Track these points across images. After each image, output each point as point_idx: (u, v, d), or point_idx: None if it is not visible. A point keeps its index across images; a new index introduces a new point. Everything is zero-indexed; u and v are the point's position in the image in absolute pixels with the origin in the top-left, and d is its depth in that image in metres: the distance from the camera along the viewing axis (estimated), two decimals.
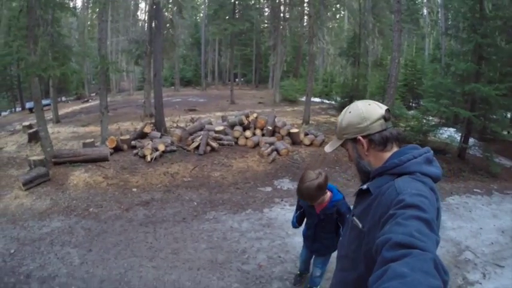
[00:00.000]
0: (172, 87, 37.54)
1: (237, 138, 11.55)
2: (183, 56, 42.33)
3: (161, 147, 10.47)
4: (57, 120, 18.25)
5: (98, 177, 8.88)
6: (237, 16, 26.23)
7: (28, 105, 25.89)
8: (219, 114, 16.97)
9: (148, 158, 10.01)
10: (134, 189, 8.35)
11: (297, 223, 3.63)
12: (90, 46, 33.06)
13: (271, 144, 10.67)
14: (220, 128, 11.95)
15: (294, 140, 11.26)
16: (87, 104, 27.22)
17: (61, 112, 20.55)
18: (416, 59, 17.82)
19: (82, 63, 28.46)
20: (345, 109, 1.71)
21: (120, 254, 5.58)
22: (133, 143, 11.19)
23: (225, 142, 11.36)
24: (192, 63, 43.46)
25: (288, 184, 8.70)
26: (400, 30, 11.37)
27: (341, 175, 9.10)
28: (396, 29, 11.34)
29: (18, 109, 30.34)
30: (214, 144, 10.84)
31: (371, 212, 1.46)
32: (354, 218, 1.62)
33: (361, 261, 1.52)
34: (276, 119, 11.92)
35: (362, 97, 16.55)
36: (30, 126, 15.32)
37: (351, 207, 1.96)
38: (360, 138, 1.59)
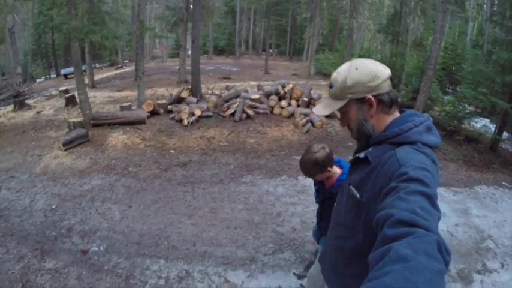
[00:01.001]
0: (206, 55, 37.71)
1: (273, 108, 11.65)
2: (217, 25, 42.30)
3: (197, 112, 10.79)
4: (93, 85, 18.92)
5: (136, 139, 9.32)
6: None
7: (63, 71, 27.12)
8: (253, 83, 17.05)
9: (185, 122, 10.34)
10: (172, 151, 8.66)
11: (316, 198, 3.41)
12: (123, 14, 33.52)
13: (306, 115, 10.78)
14: (256, 96, 12.07)
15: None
16: (121, 70, 28.01)
17: (96, 78, 21.23)
18: (457, 43, 16.96)
19: (116, 30, 28.99)
20: (346, 66, 1.58)
21: (159, 211, 5.93)
22: (169, 107, 11.63)
23: (261, 110, 11.55)
24: (225, 31, 43.56)
25: None
26: (445, 11, 10.89)
27: None
28: (441, 9, 10.86)
29: (53, 76, 31.69)
30: (250, 111, 11.08)
31: (370, 182, 1.45)
32: (351, 187, 1.60)
33: (359, 231, 1.54)
34: (311, 91, 12.15)
35: (399, 77, 16.44)
36: (66, 91, 16.06)
37: None
38: (370, 97, 1.51)
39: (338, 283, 1.86)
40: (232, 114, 10.97)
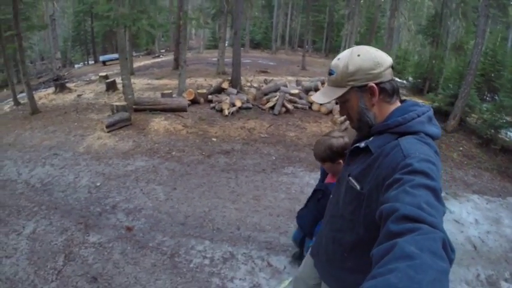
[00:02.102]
0: (242, 48, 37.83)
1: (311, 103, 11.74)
2: (254, 18, 42.53)
3: (238, 103, 11.05)
4: (132, 72, 19.27)
5: (178, 125, 9.59)
6: None
7: (101, 58, 28.39)
8: (290, 78, 17.09)
9: (226, 112, 10.57)
10: (214, 139, 8.85)
11: None
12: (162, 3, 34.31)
13: None
14: (296, 91, 12.21)
15: None
16: (158, 59, 28.61)
17: (134, 65, 21.74)
18: (498, 49, 16.34)
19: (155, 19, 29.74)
20: (347, 52, 1.56)
21: (203, 195, 6.11)
22: (209, 97, 11.92)
23: (299, 105, 11.69)
24: (262, 25, 43.66)
25: None
26: (487, 15, 10.59)
27: None
28: (483, 13, 10.55)
29: (91, 62, 32.98)
30: (289, 106, 11.24)
31: (371, 173, 1.44)
32: (350, 178, 1.58)
33: (360, 224, 1.53)
34: None
35: (437, 80, 16.17)
36: (106, 77, 16.77)
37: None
38: (373, 85, 1.48)
39: (335, 277, 1.86)
40: (272, 108, 11.20)
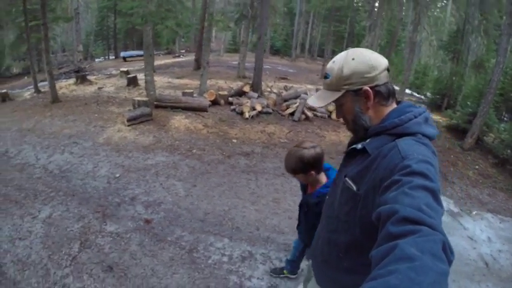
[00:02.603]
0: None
1: (331, 112, 11.68)
2: (275, 25, 42.68)
3: (258, 107, 11.06)
4: (153, 70, 19.40)
5: (198, 125, 9.60)
6: None
7: (122, 54, 28.67)
8: (310, 87, 17.10)
9: (247, 115, 10.59)
10: (234, 140, 8.82)
11: None
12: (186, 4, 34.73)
13: None
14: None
15: None
16: (179, 59, 28.83)
17: (155, 63, 21.75)
18: None
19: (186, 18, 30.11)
20: (342, 55, 1.54)
21: (224, 194, 6.07)
22: (230, 99, 12.00)
23: (319, 114, 11.72)
24: (283, 32, 43.74)
25: None
26: (510, 34, 10.50)
27: None
28: (506, 32, 10.45)
29: (111, 57, 33.46)
30: (309, 113, 11.27)
31: (368, 175, 1.42)
32: (347, 179, 1.56)
33: (355, 225, 1.51)
34: None
35: (455, 97, 16.06)
36: (127, 72, 17.03)
37: None
38: (368, 88, 1.47)
39: (331, 277, 1.83)
40: (292, 114, 11.27)
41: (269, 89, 14.68)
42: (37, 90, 14.06)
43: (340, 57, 1.53)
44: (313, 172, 2.56)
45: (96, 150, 7.60)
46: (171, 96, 11.43)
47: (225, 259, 4.34)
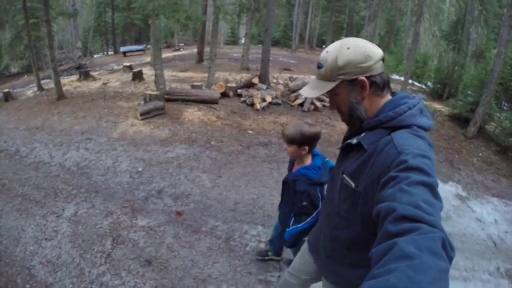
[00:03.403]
0: (260, 45, 37.94)
1: None
2: (275, 16, 42.60)
3: (268, 99, 11.05)
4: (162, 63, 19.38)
5: (211, 117, 9.54)
6: None
7: (122, 49, 28.69)
8: (314, 77, 17.02)
9: (258, 106, 10.56)
10: (250, 131, 8.76)
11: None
12: None
13: None
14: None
15: None
16: (179, 53, 28.68)
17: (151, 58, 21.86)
18: None
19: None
20: (336, 45, 1.51)
21: (249, 183, 6.05)
22: (239, 91, 12.00)
23: (327, 104, 11.60)
24: (281, 23, 43.59)
25: None
26: (511, 25, 10.57)
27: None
28: (507, 24, 10.54)
29: (110, 53, 33.56)
30: (318, 104, 11.30)
31: (366, 171, 1.42)
32: (345, 176, 1.56)
33: (356, 221, 1.53)
34: None
35: (456, 86, 16.16)
36: (130, 67, 16.96)
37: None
38: (364, 78, 1.45)
39: (336, 273, 1.86)
40: (301, 105, 11.32)
41: (275, 80, 14.65)
42: (40, 88, 13.93)
43: (334, 47, 1.51)
44: (306, 147, 2.66)
45: (113, 145, 7.50)
46: (181, 89, 11.36)
47: (262, 245, 4.38)
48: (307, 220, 2.60)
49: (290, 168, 3.06)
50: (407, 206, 1.01)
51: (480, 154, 9.40)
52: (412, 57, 15.69)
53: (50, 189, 5.73)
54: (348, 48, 1.46)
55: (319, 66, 1.55)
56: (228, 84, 12.26)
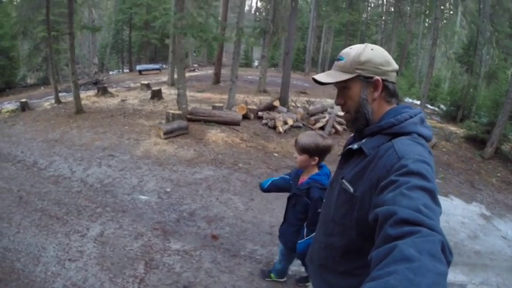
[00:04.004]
0: (273, 68, 38.25)
1: None
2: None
3: (290, 122, 11.02)
4: (172, 83, 19.65)
5: (235, 139, 9.41)
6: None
7: (138, 67, 28.97)
8: (330, 100, 16.97)
9: (280, 129, 10.49)
10: (275, 154, 8.67)
11: (266, 185, 3.37)
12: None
13: None
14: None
15: None
16: (195, 73, 28.93)
17: (174, 77, 21.91)
18: None
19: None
20: (361, 45, 1.56)
21: (283, 206, 5.66)
22: (260, 113, 11.96)
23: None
24: (294, 47, 43.99)
25: None
26: None
27: (454, 177, 9.01)
28: None
29: (126, 70, 34.12)
30: (338, 127, 11.26)
31: (365, 176, 1.42)
32: (344, 181, 1.56)
33: (351, 228, 1.51)
34: None
35: (469, 108, 16.37)
36: (148, 85, 17.22)
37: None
38: (379, 78, 1.49)
39: (328, 282, 1.81)
40: (321, 128, 11.27)
41: (293, 104, 14.72)
42: (58, 101, 13.95)
43: (358, 46, 1.56)
44: (316, 158, 2.81)
45: (137, 163, 7.29)
46: (204, 109, 11.31)
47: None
48: None
49: (294, 179, 3.13)
50: (407, 209, 1.01)
51: (498, 174, 9.50)
52: (428, 81, 16.12)
53: (72, 205, 5.46)
54: (372, 50, 1.51)
55: (339, 59, 1.57)
56: (249, 107, 12.21)
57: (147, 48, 35.58)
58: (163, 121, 10.46)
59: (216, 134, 9.49)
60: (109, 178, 6.54)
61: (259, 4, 32.61)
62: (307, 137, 2.79)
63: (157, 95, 14.55)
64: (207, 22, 11.98)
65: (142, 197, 5.86)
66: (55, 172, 6.86)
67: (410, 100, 22.55)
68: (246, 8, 46.50)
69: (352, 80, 1.52)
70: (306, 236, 2.78)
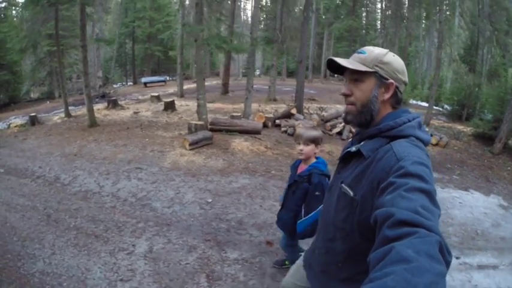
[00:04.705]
0: (278, 76, 38.45)
1: None
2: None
3: None
4: (182, 95, 19.81)
5: (260, 147, 9.35)
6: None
7: (143, 80, 29.16)
8: (340, 106, 17.02)
9: None
10: None
11: (282, 198, 3.55)
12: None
13: None
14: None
15: None
16: None
17: (176, 89, 22.08)
18: None
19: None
20: (383, 49, 1.59)
21: None
22: (277, 121, 12.11)
23: None
24: (295, 54, 44.26)
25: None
26: None
27: (469, 173, 9.42)
28: None
29: (129, 83, 34.23)
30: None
31: (365, 179, 1.42)
32: (343, 185, 1.55)
33: (353, 231, 1.50)
34: None
35: (474, 107, 16.76)
36: (158, 97, 17.31)
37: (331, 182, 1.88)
38: (394, 82, 1.52)
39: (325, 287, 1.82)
40: (339, 133, 11.63)
41: (306, 111, 14.79)
42: (68, 114, 13.91)
43: (381, 48, 1.59)
44: (319, 146, 3.15)
45: (168, 175, 7.13)
46: (225, 119, 11.35)
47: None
48: (319, 208, 2.75)
49: (293, 171, 3.42)
50: (405, 211, 1.02)
51: (509, 168, 9.90)
52: (436, 83, 16.43)
53: (109, 222, 5.25)
54: (394, 56, 1.56)
55: (361, 52, 1.58)
56: (266, 115, 12.35)
57: (150, 60, 35.84)
58: (183, 132, 10.44)
59: (240, 143, 9.43)
60: (142, 191, 6.35)
61: (260, 14, 32.77)
62: (310, 130, 3.17)
63: (170, 106, 14.59)
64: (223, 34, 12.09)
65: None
66: (81, 187, 6.67)
67: (415, 102, 22.93)
68: (244, 17, 46.79)
69: (368, 75, 1.54)
70: (304, 216, 3.04)
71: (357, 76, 1.55)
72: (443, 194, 7.44)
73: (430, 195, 1.11)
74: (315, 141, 3.07)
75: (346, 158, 1.63)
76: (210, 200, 5.99)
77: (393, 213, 1.03)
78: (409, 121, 1.47)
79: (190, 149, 8.68)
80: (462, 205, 6.97)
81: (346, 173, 1.59)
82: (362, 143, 1.54)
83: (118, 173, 7.28)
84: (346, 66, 1.53)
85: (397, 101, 1.56)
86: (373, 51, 1.55)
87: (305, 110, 14.72)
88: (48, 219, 5.38)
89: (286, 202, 3.37)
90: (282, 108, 14.41)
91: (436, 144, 11.59)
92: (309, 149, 3.08)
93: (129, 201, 6.01)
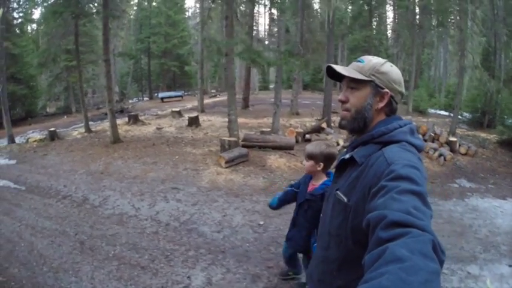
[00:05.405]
0: (290, 89, 38.55)
1: None
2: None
3: (341, 142, 11.02)
4: (202, 110, 19.61)
5: (296, 163, 9.05)
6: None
7: (160, 95, 29.37)
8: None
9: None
10: None
11: (276, 203, 3.53)
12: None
13: (435, 149, 11.46)
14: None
15: (452, 148, 12.08)
16: (217, 99, 28.94)
17: (195, 103, 22.00)
18: None
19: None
20: (381, 59, 1.60)
21: None
22: (307, 136, 11.99)
23: None
24: (311, 67, 44.39)
25: (468, 183, 9.21)
26: None
27: (502, 182, 9.32)
28: None
29: (146, 98, 34.44)
30: None
31: (358, 185, 1.42)
32: (338, 192, 1.55)
33: (347, 237, 1.49)
34: (434, 127, 12.95)
35: (494, 113, 16.72)
36: (179, 112, 17.27)
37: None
38: (389, 92, 1.54)
39: None
40: None
41: (333, 124, 14.75)
42: (88, 130, 13.75)
43: (379, 58, 1.61)
44: (321, 164, 3.03)
45: (209, 195, 6.71)
46: (258, 135, 11.15)
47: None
48: None
49: (304, 186, 3.31)
50: (398, 212, 1.03)
51: None
52: (459, 91, 16.23)
53: (154, 250, 4.76)
54: (391, 66, 1.58)
55: (359, 61, 1.60)
56: (296, 130, 12.23)
57: (166, 75, 36.20)
58: (212, 148, 10.15)
59: (276, 160, 9.15)
60: (185, 214, 5.91)
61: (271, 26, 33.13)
62: (313, 145, 3.09)
63: (194, 122, 14.43)
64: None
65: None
66: (115, 210, 6.23)
67: (433, 111, 22.98)
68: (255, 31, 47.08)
69: (364, 83, 1.56)
70: None
71: (353, 84, 1.58)
72: (485, 204, 7.46)
73: (422, 196, 1.12)
74: (313, 157, 3.03)
75: (342, 166, 1.63)
76: (261, 223, 5.60)
77: (386, 215, 1.04)
78: (401, 127, 1.49)
79: (226, 167, 8.36)
80: (504, 214, 6.93)
81: (341, 181, 1.59)
82: (356, 149, 1.55)
83: (153, 194, 6.87)
84: (343, 74, 1.56)
85: (391, 110, 1.58)
86: (371, 60, 1.58)
87: (332, 123, 14.58)
88: (82, 247, 4.89)
89: (298, 221, 3.38)
90: (305, 121, 14.36)
91: (465, 154, 11.54)
92: (308, 164, 3.09)
93: (172, 225, 5.54)
